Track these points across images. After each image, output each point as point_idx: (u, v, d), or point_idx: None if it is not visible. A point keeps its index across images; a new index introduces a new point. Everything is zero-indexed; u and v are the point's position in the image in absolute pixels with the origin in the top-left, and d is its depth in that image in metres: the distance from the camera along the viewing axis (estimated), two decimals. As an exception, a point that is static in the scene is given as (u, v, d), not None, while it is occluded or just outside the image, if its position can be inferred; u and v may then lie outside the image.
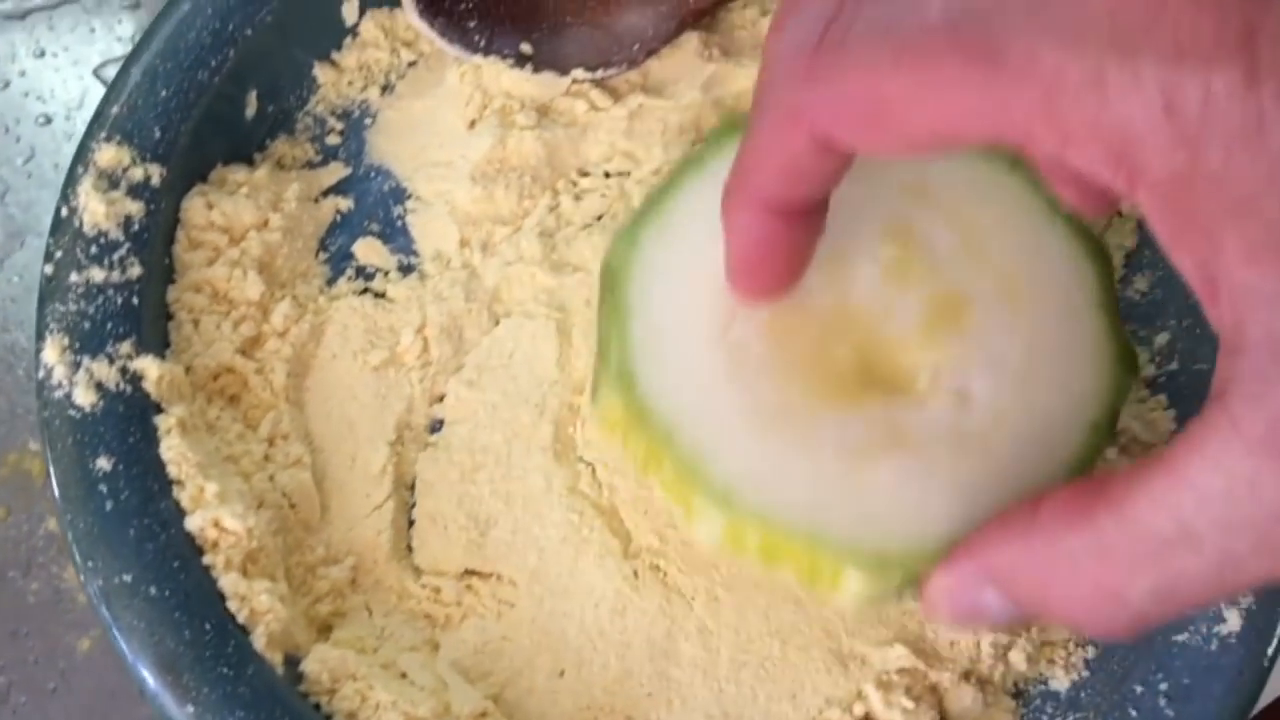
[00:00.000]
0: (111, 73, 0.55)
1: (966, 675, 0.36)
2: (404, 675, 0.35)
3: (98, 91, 0.54)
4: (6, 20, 0.55)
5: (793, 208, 0.28)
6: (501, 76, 0.42)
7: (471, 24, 0.43)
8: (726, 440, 0.32)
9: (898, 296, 0.33)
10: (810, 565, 0.31)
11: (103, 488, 0.34)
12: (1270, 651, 0.36)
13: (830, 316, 0.33)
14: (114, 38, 0.55)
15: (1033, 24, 0.21)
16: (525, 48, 0.43)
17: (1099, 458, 0.33)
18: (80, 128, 0.54)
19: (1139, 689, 0.36)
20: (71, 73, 0.55)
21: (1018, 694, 0.37)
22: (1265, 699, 0.38)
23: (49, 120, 0.53)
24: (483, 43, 0.43)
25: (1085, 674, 0.37)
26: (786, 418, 0.32)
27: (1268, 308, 0.21)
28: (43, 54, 0.55)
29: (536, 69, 0.43)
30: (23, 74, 0.54)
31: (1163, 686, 0.36)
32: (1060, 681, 0.37)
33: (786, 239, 0.29)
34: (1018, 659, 0.36)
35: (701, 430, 0.32)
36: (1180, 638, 0.36)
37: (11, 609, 0.46)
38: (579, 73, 0.43)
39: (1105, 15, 0.20)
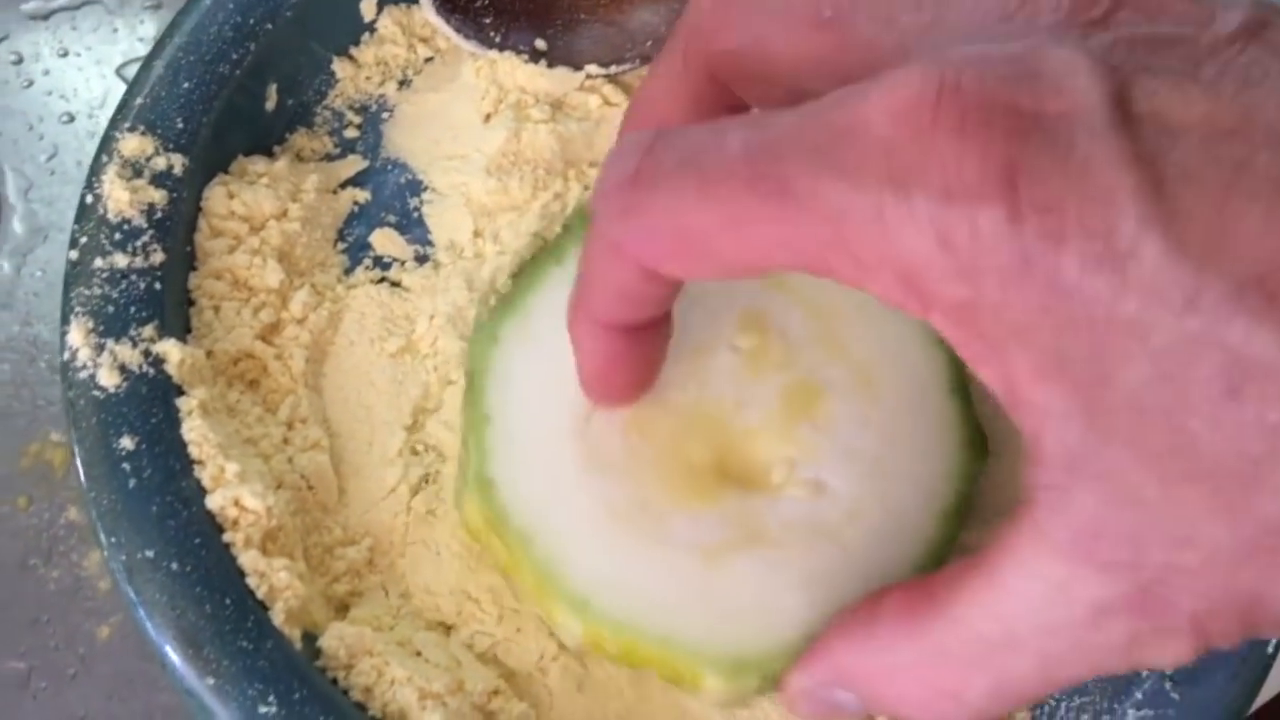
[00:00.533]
0: (134, 72, 0.56)
1: None
2: (419, 653, 0.35)
3: (120, 90, 0.55)
4: (31, 20, 0.56)
5: (632, 326, 0.29)
6: (516, 72, 0.43)
7: (487, 20, 0.43)
8: (582, 544, 0.32)
9: (754, 386, 0.33)
10: (671, 668, 0.31)
11: (126, 466, 0.34)
12: (1275, 639, 0.36)
13: (688, 410, 0.33)
14: (136, 38, 0.57)
15: (819, 160, 0.22)
16: (540, 44, 0.44)
17: (952, 546, 0.33)
18: (103, 126, 0.55)
19: (1143, 674, 0.36)
20: (94, 72, 0.56)
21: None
22: (1268, 693, 0.38)
23: (72, 118, 0.54)
24: (498, 39, 0.43)
25: (1090, 659, 0.37)
26: (641, 518, 0.32)
27: (1057, 424, 0.22)
28: (66, 53, 0.56)
29: (551, 64, 0.43)
30: (46, 73, 0.55)
31: (1167, 671, 0.36)
32: (1066, 666, 0.37)
33: (631, 353, 0.30)
34: None
35: (557, 534, 0.32)
36: (1184, 622, 0.36)
37: (32, 596, 0.46)
38: (592, 68, 0.43)
39: (881, 152, 0.21)
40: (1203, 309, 0.20)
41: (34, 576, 0.47)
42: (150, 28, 0.57)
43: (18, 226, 0.53)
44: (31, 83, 0.55)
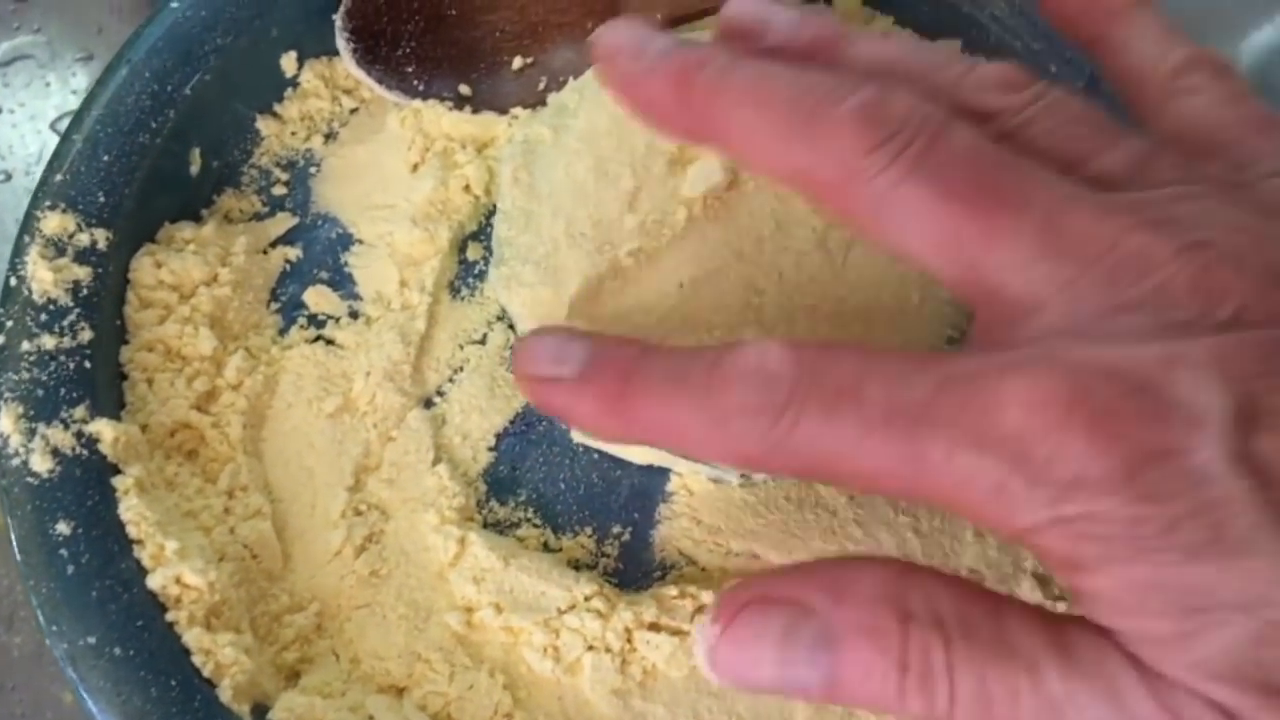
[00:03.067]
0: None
1: None
2: (371, 718, 0.35)
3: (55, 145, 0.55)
4: (-40, 79, 0.56)
5: None
6: (441, 119, 0.43)
7: (410, 69, 0.43)
8: None
9: None
10: None
11: (63, 552, 0.34)
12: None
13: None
14: (69, 91, 0.56)
15: (954, 432, 0.24)
16: (464, 89, 0.43)
17: None
18: (40, 183, 0.54)
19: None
20: (29, 128, 0.55)
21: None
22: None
23: (9, 177, 0.54)
24: (421, 87, 0.43)
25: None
26: None
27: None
28: (-1, 110, 0.55)
29: (476, 110, 0.43)
30: (-21, 131, 0.55)
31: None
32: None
33: None
34: None
35: None
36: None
37: (-3, 663, 0.46)
38: (518, 111, 0.43)
39: (1014, 436, 0.24)
40: None
41: (-3, 644, 0.47)
42: (83, 80, 0.56)
43: (-42, 289, 0.52)
44: (-36, 143, 0.54)
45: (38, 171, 0.53)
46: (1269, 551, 0.22)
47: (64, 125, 0.55)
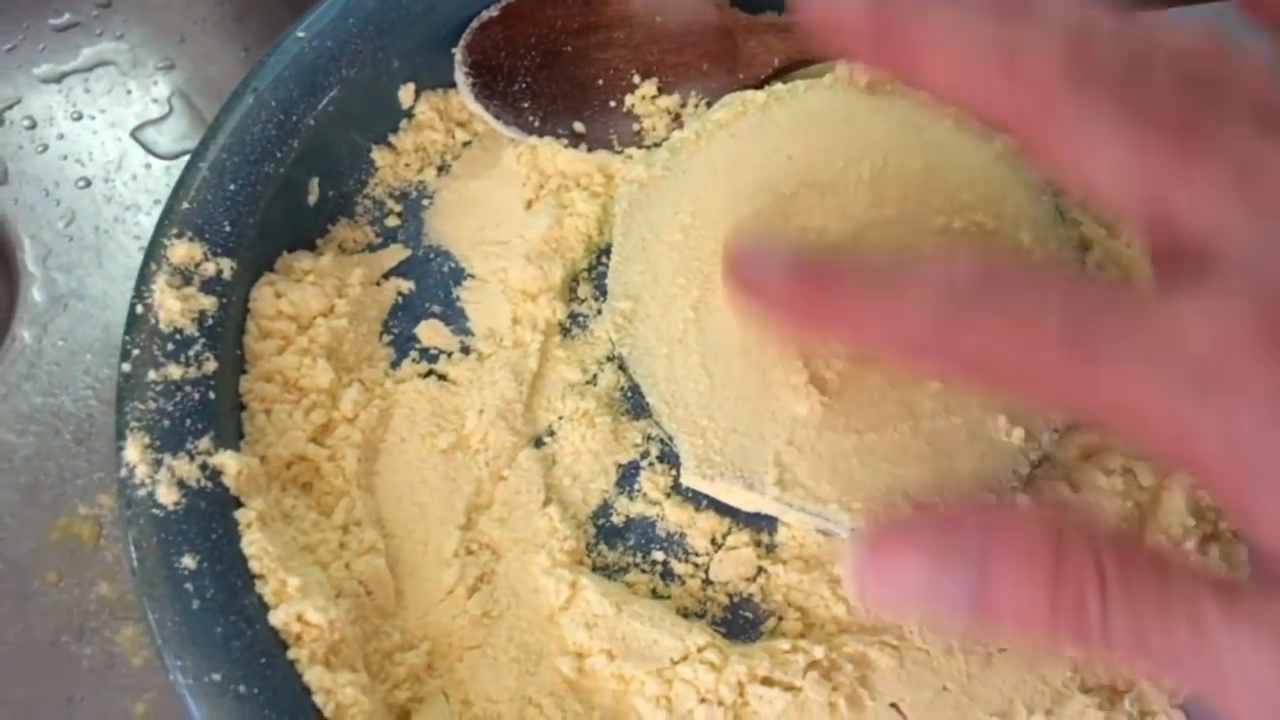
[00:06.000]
0: (149, 134, 0.55)
1: None
2: (484, 761, 0.35)
3: (136, 153, 0.55)
4: (43, 83, 0.55)
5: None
6: (557, 156, 0.43)
7: (525, 105, 0.43)
8: None
9: None
10: None
11: (188, 586, 0.34)
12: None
13: None
14: (149, 99, 0.56)
15: (1131, 351, 0.24)
16: (579, 126, 0.43)
17: None
18: (119, 190, 0.54)
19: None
20: (109, 134, 0.55)
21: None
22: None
23: (88, 183, 0.54)
24: (537, 123, 0.43)
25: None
26: None
27: None
28: (80, 116, 0.55)
29: (590, 148, 0.43)
30: (61, 137, 0.54)
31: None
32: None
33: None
34: None
35: None
36: None
37: (65, 674, 0.46)
38: (632, 151, 0.43)
39: (1194, 360, 0.24)
40: None
41: (66, 654, 0.47)
42: (164, 88, 0.56)
43: (37, 295, 0.52)
44: (46, 147, 0.54)
45: (117, 179, 0.54)
46: None
47: (144, 134, 0.55)
